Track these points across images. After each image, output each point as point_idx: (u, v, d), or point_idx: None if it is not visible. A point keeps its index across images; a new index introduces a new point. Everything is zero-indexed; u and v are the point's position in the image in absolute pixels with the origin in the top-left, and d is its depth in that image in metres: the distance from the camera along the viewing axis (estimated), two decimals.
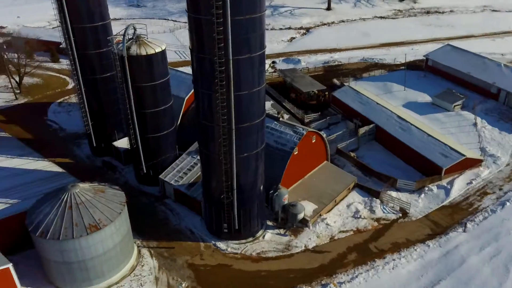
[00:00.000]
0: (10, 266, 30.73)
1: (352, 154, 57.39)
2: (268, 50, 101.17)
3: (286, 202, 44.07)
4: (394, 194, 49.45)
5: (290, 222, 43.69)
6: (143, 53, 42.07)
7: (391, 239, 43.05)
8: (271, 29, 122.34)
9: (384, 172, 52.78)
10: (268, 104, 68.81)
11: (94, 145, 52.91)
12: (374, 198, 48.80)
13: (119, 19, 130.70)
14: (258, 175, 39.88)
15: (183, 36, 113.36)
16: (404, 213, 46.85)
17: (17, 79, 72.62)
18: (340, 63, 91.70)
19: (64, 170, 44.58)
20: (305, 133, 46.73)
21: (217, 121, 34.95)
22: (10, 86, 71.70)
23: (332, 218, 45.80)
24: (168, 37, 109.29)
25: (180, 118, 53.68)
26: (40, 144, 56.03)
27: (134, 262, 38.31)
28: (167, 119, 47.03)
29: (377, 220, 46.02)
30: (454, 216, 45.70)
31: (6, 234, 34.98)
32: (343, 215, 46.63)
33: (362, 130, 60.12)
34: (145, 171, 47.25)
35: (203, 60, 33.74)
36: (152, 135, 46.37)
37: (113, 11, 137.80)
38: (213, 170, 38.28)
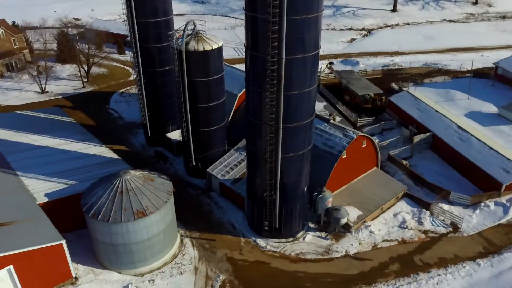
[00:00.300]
0: (63, 242, 33.11)
1: (405, 162, 55.40)
2: (326, 51, 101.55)
3: (329, 205, 43.50)
4: (446, 207, 47.13)
5: (332, 226, 43.12)
6: (200, 48, 43.33)
7: (438, 253, 41.16)
8: (331, 30, 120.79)
9: (437, 183, 50.47)
10: (321, 105, 68.12)
11: (149, 135, 55.37)
12: (424, 210, 46.84)
13: (184, 15, 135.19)
14: (302, 176, 39.73)
15: (243, 34, 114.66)
16: (455, 227, 44.56)
17: (86, 68, 77.59)
18: (400, 67, 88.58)
19: (119, 157, 47.07)
20: (355, 137, 45.77)
21: (265, 119, 35.25)
22: (79, 75, 76.69)
23: (376, 226, 44.58)
24: (228, 34, 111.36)
25: (231, 114, 54.59)
26: (100, 130, 59.57)
27: (176, 250, 39.72)
28: (219, 115, 48.11)
29: (425, 232, 44.15)
30: (511, 236, 42.79)
31: (63, 213, 37.48)
32: (389, 224, 45.21)
33: (417, 138, 57.81)
34: (194, 164, 48.72)
35: (256, 58, 34.11)
36: (203, 129, 47.66)
37: (178, 7, 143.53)
38: (258, 167, 38.70)
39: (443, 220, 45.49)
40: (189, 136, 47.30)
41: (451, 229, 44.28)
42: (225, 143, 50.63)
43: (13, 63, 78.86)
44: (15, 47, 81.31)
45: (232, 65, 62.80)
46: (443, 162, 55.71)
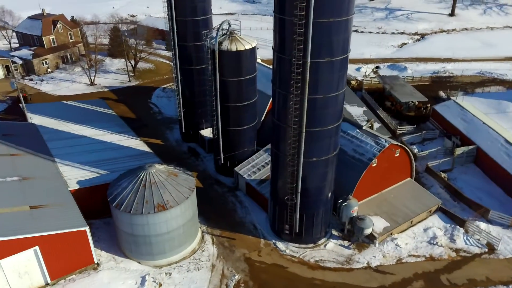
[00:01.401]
0: (87, 229, 34.69)
1: (443, 174, 52.72)
2: (374, 55, 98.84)
3: (354, 214, 42.31)
4: (483, 225, 44.33)
5: (356, 235, 41.91)
6: (233, 48, 43.68)
7: (468, 274, 38.80)
8: (382, 33, 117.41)
9: (476, 200, 47.65)
10: (361, 111, 66.41)
11: (183, 131, 56.66)
12: (458, 226, 44.34)
13: (234, 14, 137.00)
14: (326, 182, 38.94)
15: None
16: (490, 248, 41.78)
17: (133, 63, 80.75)
18: (451, 75, 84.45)
19: (151, 151, 48.60)
20: (387, 145, 44.15)
21: (289, 122, 34.90)
22: (127, 69, 79.98)
23: (404, 239, 42.77)
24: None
25: (264, 115, 54.56)
26: (139, 124, 61.85)
27: (196, 246, 40.35)
28: (249, 115, 48.27)
29: (456, 250, 41.77)
30: None
31: (92, 201, 39.29)
32: (417, 238, 43.23)
33: (459, 150, 54.81)
34: (222, 162, 49.24)
35: (282, 60, 33.87)
36: (233, 128, 48.04)
37: (229, 6, 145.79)
38: (280, 170, 38.41)
39: (478, 240, 42.81)
40: (218, 134, 47.87)
41: (486, 250, 41.60)
42: (255, 143, 50.71)
43: (68, 55, 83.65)
44: (71, 40, 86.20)
45: (269, 66, 62.54)
46: (486, 177, 52.51)
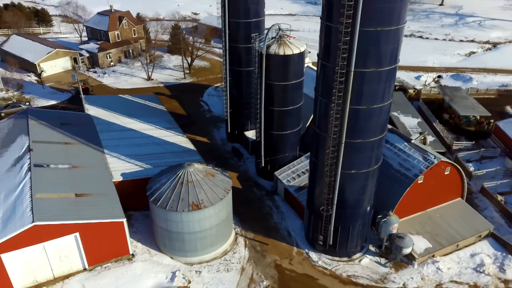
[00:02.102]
0: (124, 220, 36.15)
1: (500, 197, 48.93)
2: (437, 63, 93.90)
3: (394, 231, 40.41)
4: None
5: (393, 253, 40.04)
6: (281, 52, 43.35)
7: None
8: (449, 40, 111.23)
9: None
10: (415, 122, 63.40)
11: (229, 131, 57.27)
12: (510, 256, 40.93)
13: (294, 15, 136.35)
14: (365, 195, 37.53)
15: None
16: None
17: (189, 60, 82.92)
18: None
19: (195, 148, 49.61)
20: (435, 162, 41.67)
21: (329, 132, 34.00)
22: (182, 66, 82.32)
23: (446, 263, 40.23)
24: None
25: (309, 121, 53.67)
26: (188, 120, 63.41)
27: (228, 247, 40.63)
28: (294, 120, 47.71)
29: (505, 282, 38.61)
30: None
31: (133, 193, 40.78)
32: (462, 264, 40.47)
33: None
34: (263, 165, 49.13)
35: (326, 68, 33.02)
36: (276, 132, 47.77)
37: (290, 7, 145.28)
38: (318, 179, 37.56)
39: None
40: (261, 137, 47.81)
41: None
42: (297, 148, 50.05)
43: (130, 50, 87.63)
44: (134, 36, 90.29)
45: None
46: None
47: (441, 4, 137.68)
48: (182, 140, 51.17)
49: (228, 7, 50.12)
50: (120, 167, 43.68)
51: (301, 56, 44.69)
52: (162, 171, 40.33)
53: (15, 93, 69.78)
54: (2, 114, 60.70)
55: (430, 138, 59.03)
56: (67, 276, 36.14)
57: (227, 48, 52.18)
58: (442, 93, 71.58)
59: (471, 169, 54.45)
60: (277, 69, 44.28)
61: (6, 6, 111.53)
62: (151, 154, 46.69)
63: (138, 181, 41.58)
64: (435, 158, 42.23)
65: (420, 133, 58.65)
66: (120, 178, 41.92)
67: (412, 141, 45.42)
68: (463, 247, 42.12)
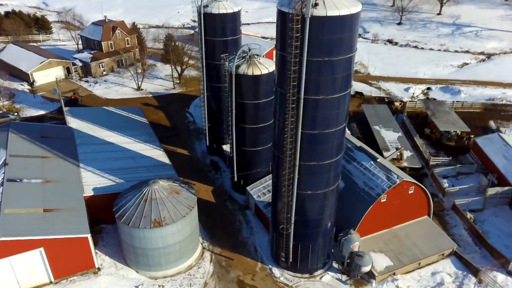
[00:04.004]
0: (88, 236, 37.65)
1: (470, 215, 49.56)
2: (428, 74, 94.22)
3: (355, 249, 41.32)
4: (500, 277, 41.28)
5: (353, 271, 40.92)
6: (250, 73, 44.60)
7: None
8: (444, 51, 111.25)
9: (501, 248, 44.32)
10: (395, 136, 64.04)
11: (207, 144, 58.57)
12: (471, 275, 41.60)
13: None
14: (324, 215, 38.50)
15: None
16: None
17: (180, 70, 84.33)
18: (509, 103, 78.29)
19: (170, 163, 50.98)
20: (397, 182, 42.49)
21: (284, 154, 35.12)
22: (172, 76, 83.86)
23: (406, 281, 41.05)
24: None
25: None
26: (171, 132, 64.85)
27: (193, 262, 41.86)
28: (265, 136, 48.73)
29: None
30: None
31: (104, 207, 42.09)
32: (422, 282, 41.23)
33: (492, 190, 51.17)
34: (236, 179, 50.33)
35: (281, 94, 34.06)
36: (248, 148, 48.94)
37: None
38: (277, 199, 38.66)
39: None
40: (233, 152, 49.02)
41: None
42: (270, 164, 51.09)
43: (123, 60, 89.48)
44: (127, 46, 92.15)
45: None
46: None
47: (439, 14, 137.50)
48: (158, 154, 52.57)
49: (204, 26, 51.45)
50: (93, 181, 45.20)
51: (271, 75, 45.76)
52: (131, 187, 41.74)
53: (6, 102, 71.91)
54: None
55: (407, 153, 59.77)
56: None
57: (204, 65, 53.47)
58: (425, 107, 72.13)
59: (445, 185, 55.04)
60: (247, 89, 45.53)
61: (7, 13, 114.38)
62: (125, 168, 48.16)
63: (109, 196, 42.97)
64: (398, 177, 43.04)
65: (397, 149, 59.49)
66: (92, 193, 43.42)
67: (378, 160, 46.27)
68: (425, 265, 42.84)
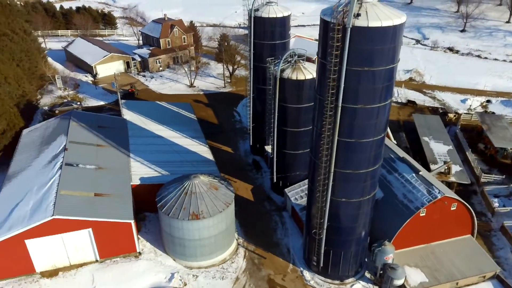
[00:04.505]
0: (132, 222, 40.38)
1: None
2: (490, 86, 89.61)
3: (389, 261, 40.91)
4: None
5: (385, 283, 40.55)
6: (294, 77, 45.41)
7: None
8: (510, 62, 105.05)
9: None
10: (445, 149, 62.02)
11: (251, 144, 60.05)
12: None
13: None
14: (358, 223, 38.56)
15: (418, 57, 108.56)
16: None
17: (231, 69, 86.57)
18: None
19: (213, 159, 52.99)
20: (439, 197, 41.48)
21: (320, 160, 35.67)
22: (223, 75, 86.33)
23: None
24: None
25: None
26: (217, 130, 67.04)
27: (227, 256, 43.46)
28: (306, 140, 49.16)
29: None
30: None
31: (148, 196, 44.64)
32: None
33: None
34: (275, 181, 51.37)
35: (320, 101, 34.59)
36: (289, 151, 49.77)
37: None
38: (312, 203, 39.22)
39: None
40: (273, 154, 50.08)
41: None
42: None
43: (179, 57, 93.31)
44: (183, 43, 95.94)
45: None
46: None
47: (508, 22, 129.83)
48: (203, 150, 54.77)
49: (254, 29, 52.86)
50: (140, 171, 48.14)
51: (314, 81, 46.12)
52: (174, 180, 44.07)
53: (71, 92, 77.74)
54: (56, 112, 68.23)
55: (456, 168, 57.73)
56: (81, 265, 41.05)
57: (252, 67, 54.91)
58: (480, 121, 69.02)
59: (496, 204, 52.72)
60: (290, 92, 46.37)
61: (78, 9, 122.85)
62: (171, 161, 50.73)
63: (153, 186, 45.59)
64: (439, 192, 42.00)
65: (445, 162, 57.64)
66: (138, 182, 46.31)
67: (420, 173, 45.32)
68: (463, 286, 41.51)
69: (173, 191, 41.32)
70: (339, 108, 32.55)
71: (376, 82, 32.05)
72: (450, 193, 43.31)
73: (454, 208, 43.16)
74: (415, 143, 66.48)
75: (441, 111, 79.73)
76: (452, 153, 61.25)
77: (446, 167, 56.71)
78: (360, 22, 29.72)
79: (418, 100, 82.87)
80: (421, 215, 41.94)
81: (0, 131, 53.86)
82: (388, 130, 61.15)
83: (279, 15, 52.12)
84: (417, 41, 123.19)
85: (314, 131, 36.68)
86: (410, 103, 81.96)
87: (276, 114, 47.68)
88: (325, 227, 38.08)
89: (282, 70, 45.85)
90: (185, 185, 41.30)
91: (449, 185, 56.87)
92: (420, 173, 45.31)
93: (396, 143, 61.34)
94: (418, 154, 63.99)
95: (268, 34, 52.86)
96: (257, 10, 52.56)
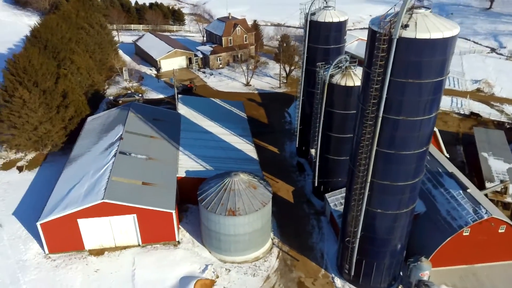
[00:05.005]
0: (173, 212, 42.66)
1: None
2: None
3: (425, 278, 39.64)
4: None
5: None
6: (342, 83, 45.21)
7: None
8: None
9: None
10: (505, 167, 58.36)
11: (297, 145, 60.44)
12: None
13: None
14: (393, 235, 37.81)
15: (469, 62, 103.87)
16: None
17: (288, 70, 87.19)
18: None
19: (257, 158, 54.23)
20: (485, 217, 39.45)
21: (357, 169, 35.48)
22: (279, 75, 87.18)
23: None
24: None
25: None
26: (267, 129, 68.12)
27: (260, 254, 44.46)
28: (349, 147, 48.53)
29: None
30: None
31: (192, 188, 46.65)
32: None
33: None
34: (316, 185, 51.49)
35: (362, 110, 34.29)
36: (332, 156, 49.63)
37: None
38: (347, 211, 39.04)
39: None
40: (316, 158, 50.19)
41: None
42: None
43: (239, 55, 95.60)
44: (245, 42, 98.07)
45: None
46: None
47: None
48: (249, 149, 56.13)
49: (309, 32, 53.13)
50: (187, 164, 50.55)
51: None
52: (216, 175, 45.82)
53: (135, 84, 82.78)
54: (120, 102, 73.13)
55: None
56: (125, 247, 44.14)
57: (304, 70, 55.25)
58: None
59: None
60: (337, 98, 46.21)
61: (151, 5, 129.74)
62: (216, 157, 52.64)
63: (197, 180, 47.72)
64: (486, 212, 39.91)
65: (502, 181, 54.30)
66: (184, 175, 48.70)
67: (468, 190, 43.22)
68: None
69: (214, 186, 43.04)
70: (380, 119, 32.18)
71: (422, 94, 31.27)
72: (499, 215, 40.94)
73: (503, 231, 40.78)
74: (472, 158, 63.09)
75: (508, 126, 74.74)
76: None
77: (502, 186, 53.42)
78: (408, 33, 29.20)
79: (483, 113, 78.27)
80: (464, 234, 40.18)
81: (68, 117, 58.96)
82: (441, 143, 58.65)
83: (335, 20, 51.89)
84: (492, 50, 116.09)
85: (354, 139, 36.50)
86: (474, 115, 77.67)
87: (322, 119, 47.71)
88: (358, 236, 37.79)
89: (332, 75, 45.82)
90: (225, 182, 42.85)
91: (506, 206, 53.56)
92: (468, 190, 43.22)
93: (449, 156, 58.68)
94: (475, 170, 60.69)
95: (323, 38, 52.82)
96: (313, 14, 52.73)
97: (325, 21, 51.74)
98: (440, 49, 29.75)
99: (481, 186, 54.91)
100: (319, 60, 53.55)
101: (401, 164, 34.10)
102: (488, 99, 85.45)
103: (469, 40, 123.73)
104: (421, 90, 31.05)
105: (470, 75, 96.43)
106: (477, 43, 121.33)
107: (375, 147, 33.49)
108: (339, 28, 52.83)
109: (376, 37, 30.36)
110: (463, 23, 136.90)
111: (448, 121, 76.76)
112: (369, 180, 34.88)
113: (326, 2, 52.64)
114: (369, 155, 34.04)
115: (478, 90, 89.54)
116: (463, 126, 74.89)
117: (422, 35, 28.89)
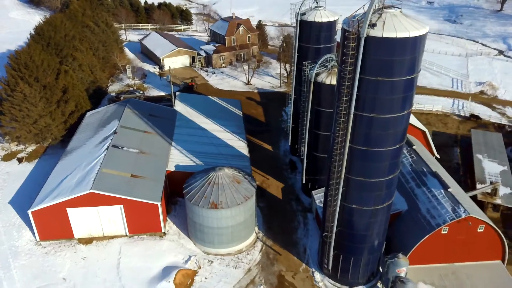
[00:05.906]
0: (159, 204, 44.07)
1: None
2: None
3: (402, 274, 40.11)
4: None
5: None
6: (328, 82, 45.99)
7: None
8: None
9: None
10: (498, 169, 58.32)
11: (289, 144, 61.27)
12: None
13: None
14: (370, 231, 38.48)
15: (476, 64, 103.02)
16: None
17: (288, 69, 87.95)
18: None
19: (248, 155, 55.24)
20: (462, 216, 39.77)
21: (332, 165, 36.28)
22: (280, 74, 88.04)
23: None
24: (454, 62, 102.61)
25: None
26: (263, 128, 69.08)
27: (243, 247, 45.52)
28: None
29: None
30: None
31: (180, 182, 47.84)
32: None
33: None
34: (304, 182, 52.29)
35: (336, 108, 35.09)
36: (319, 154, 50.39)
37: (427, 24, 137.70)
38: (326, 206, 39.82)
39: None
40: (304, 156, 51.01)
41: None
42: None
43: (242, 55, 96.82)
44: (248, 42, 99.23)
45: None
46: None
47: None
48: (240, 145, 57.25)
49: (300, 32, 53.98)
50: (178, 159, 51.95)
51: None
52: (203, 170, 47.09)
53: (137, 81, 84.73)
54: (121, 98, 75.04)
55: (507, 190, 54.10)
56: (112, 237, 45.72)
57: (295, 69, 56.11)
58: None
59: None
60: (323, 97, 46.98)
61: (160, 4, 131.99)
62: (207, 153, 53.92)
63: (186, 174, 49.00)
64: (464, 212, 40.22)
65: (491, 183, 54.28)
66: (173, 169, 50.13)
67: (449, 190, 43.53)
68: None
69: (199, 180, 44.31)
70: (351, 116, 32.97)
71: (392, 92, 31.99)
72: (478, 214, 41.15)
73: (482, 230, 41.02)
74: (468, 160, 63.12)
75: (509, 129, 74.26)
76: (506, 175, 57.34)
77: (492, 188, 53.40)
78: (375, 32, 29.99)
79: (484, 115, 77.87)
80: (442, 232, 40.56)
81: (68, 112, 61.05)
82: (431, 143, 58.83)
83: (325, 19, 52.67)
84: (500, 52, 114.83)
85: (331, 136, 37.29)
86: (473, 117, 77.32)
87: (309, 117, 48.54)
88: (334, 231, 38.56)
89: (317, 74, 46.63)
90: (210, 176, 44.07)
91: (496, 207, 53.53)
92: (449, 189, 43.51)
93: (439, 157, 58.84)
94: (469, 172, 60.70)
95: (314, 38, 53.60)
96: (304, 14, 53.60)
97: (315, 20, 52.53)
98: (408, 47, 30.43)
99: (473, 188, 55.00)
100: (310, 59, 54.50)
101: (375, 161, 34.79)
102: (491, 102, 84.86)
103: (477, 42, 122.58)
104: (391, 88, 31.79)
105: (475, 77, 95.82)
106: (485, 45, 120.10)
107: (348, 144, 34.28)
108: (329, 28, 53.57)
109: (345, 36, 31.24)
110: (473, 25, 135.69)
111: (448, 122, 76.62)
112: (343, 176, 35.65)
113: (317, 2, 53.40)
114: (343, 152, 34.82)
115: (481, 92, 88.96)
116: (463, 128, 74.67)
117: (389, 34, 29.66)
